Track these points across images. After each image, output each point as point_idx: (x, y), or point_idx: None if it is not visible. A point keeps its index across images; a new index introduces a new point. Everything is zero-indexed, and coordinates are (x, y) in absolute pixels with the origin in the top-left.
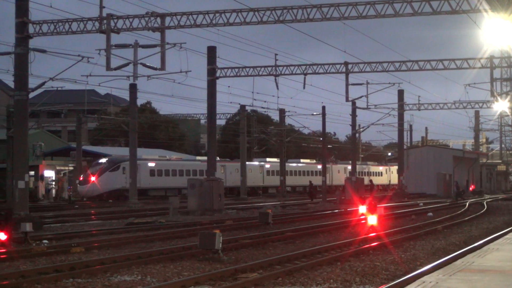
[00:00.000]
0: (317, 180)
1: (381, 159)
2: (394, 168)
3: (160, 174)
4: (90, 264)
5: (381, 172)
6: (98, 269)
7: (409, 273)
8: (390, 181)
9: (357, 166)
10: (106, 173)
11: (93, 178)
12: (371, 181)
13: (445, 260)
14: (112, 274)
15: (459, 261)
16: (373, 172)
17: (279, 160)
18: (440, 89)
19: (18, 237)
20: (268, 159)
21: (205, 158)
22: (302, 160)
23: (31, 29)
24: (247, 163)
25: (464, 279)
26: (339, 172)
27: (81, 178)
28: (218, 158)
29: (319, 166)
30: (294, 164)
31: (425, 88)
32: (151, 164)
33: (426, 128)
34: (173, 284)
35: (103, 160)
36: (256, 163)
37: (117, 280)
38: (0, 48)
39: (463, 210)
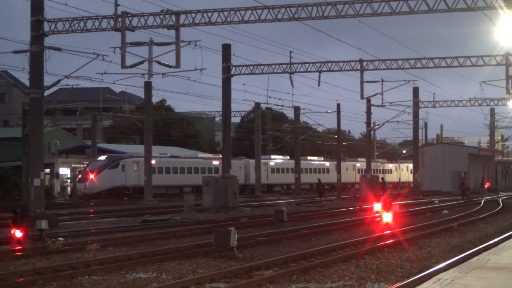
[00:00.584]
0: (324, 178)
1: (396, 156)
2: (405, 166)
3: (161, 172)
4: (105, 262)
5: (391, 170)
6: (113, 266)
7: (424, 271)
8: (400, 178)
9: (364, 163)
10: (105, 170)
11: (91, 176)
12: (383, 179)
13: (461, 258)
14: (127, 272)
15: (474, 259)
16: (383, 169)
17: (284, 158)
18: (455, 87)
19: (34, 235)
20: (273, 156)
21: (207, 155)
22: (309, 158)
23: (46, 27)
24: (250, 160)
25: (480, 277)
26: (348, 170)
27: (80, 176)
28: (220, 156)
29: (327, 164)
30: (301, 161)
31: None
32: (152, 162)
33: (441, 126)
34: (188, 281)
35: (102, 158)
36: (262, 161)
37: (132, 277)
38: (15, 46)
39: (478, 207)
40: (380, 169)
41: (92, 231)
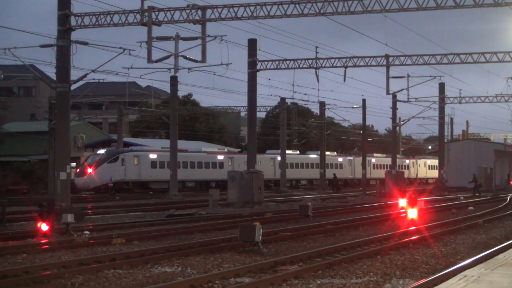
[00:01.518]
0: (337, 173)
1: (421, 152)
2: (422, 161)
3: (163, 166)
4: (130, 255)
5: (408, 165)
6: (138, 260)
7: (449, 267)
8: (417, 174)
9: (381, 159)
10: (104, 164)
11: (90, 170)
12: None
13: (487, 254)
14: (152, 266)
15: (501, 256)
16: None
17: (294, 152)
18: (481, 82)
19: (60, 228)
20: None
21: (210, 149)
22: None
23: (73, 21)
24: (257, 155)
25: (507, 274)
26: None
27: (78, 170)
28: (226, 150)
29: (340, 159)
30: (313, 156)
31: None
32: (153, 156)
33: (467, 122)
34: (214, 276)
35: (102, 151)
36: (267, 155)
37: (157, 271)
38: (42, 40)
39: (504, 204)
40: (384, 164)
41: (118, 225)
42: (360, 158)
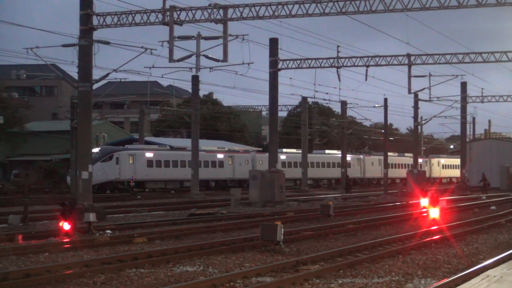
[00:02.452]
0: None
1: (443, 151)
2: (436, 161)
3: (159, 165)
4: (152, 255)
5: (421, 165)
6: (160, 259)
7: (471, 267)
8: (431, 174)
9: (391, 158)
10: (97, 163)
11: None
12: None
13: (509, 254)
14: (174, 265)
15: None
16: (408, 164)
17: (298, 151)
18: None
19: (82, 227)
20: (284, 150)
21: (209, 148)
22: (327, 151)
23: (95, 21)
24: (256, 154)
25: None
26: (373, 164)
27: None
28: (226, 148)
29: (349, 158)
30: (320, 155)
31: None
32: (149, 154)
33: (489, 121)
34: (235, 275)
35: (96, 150)
36: (267, 154)
37: (179, 270)
38: (64, 40)
39: None
40: (406, 164)
41: (140, 224)
42: (371, 157)
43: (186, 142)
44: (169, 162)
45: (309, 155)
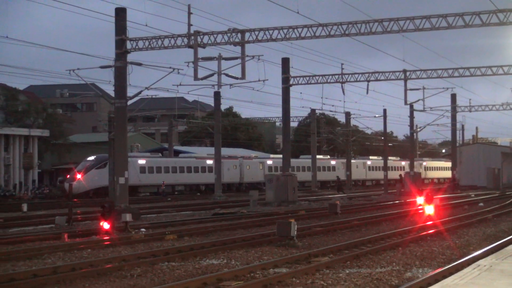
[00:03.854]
0: (330, 176)
1: (436, 155)
2: (418, 163)
3: (151, 171)
4: (182, 250)
5: (404, 167)
6: (189, 254)
7: (463, 257)
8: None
9: (376, 162)
10: (92, 170)
11: (79, 176)
12: (400, 175)
13: (497, 245)
14: (201, 258)
15: (510, 247)
16: (394, 166)
17: (281, 157)
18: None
19: (120, 226)
20: (271, 156)
21: (199, 154)
22: (318, 156)
23: (128, 45)
24: (244, 160)
25: None
26: (358, 167)
27: (68, 176)
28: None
29: (333, 162)
30: (306, 160)
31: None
32: (142, 162)
33: (477, 128)
34: (255, 267)
35: (92, 158)
36: (255, 160)
37: (205, 263)
38: (102, 62)
39: (511, 200)
40: (394, 167)
41: (170, 223)
42: (356, 161)
43: (210, 150)
44: (161, 168)
45: (303, 160)
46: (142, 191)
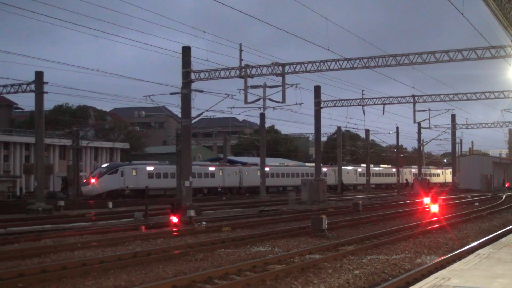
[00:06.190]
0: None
1: (439, 163)
2: (407, 170)
3: (159, 177)
4: (235, 239)
5: (395, 173)
6: (241, 242)
7: (463, 247)
8: (406, 180)
9: (375, 169)
10: (105, 176)
11: (93, 180)
12: (406, 180)
13: (491, 237)
14: (251, 246)
15: (503, 239)
16: (384, 173)
17: (282, 164)
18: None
19: (185, 220)
20: (269, 163)
21: (204, 162)
22: (307, 164)
23: (192, 76)
24: (243, 167)
25: (510, 252)
26: (349, 173)
27: (84, 180)
28: (217, 163)
29: (324, 169)
30: (283, 166)
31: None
32: (150, 168)
33: (472, 142)
34: (294, 253)
35: (104, 165)
36: (253, 167)
37: (254, 250)
38: (171, 89)
39: (501, 201)
40: (389, 173)
41: (225, 218)
42: (348, 168)
43: (256, 160)
44: (168, 174)
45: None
46: (150, 194)
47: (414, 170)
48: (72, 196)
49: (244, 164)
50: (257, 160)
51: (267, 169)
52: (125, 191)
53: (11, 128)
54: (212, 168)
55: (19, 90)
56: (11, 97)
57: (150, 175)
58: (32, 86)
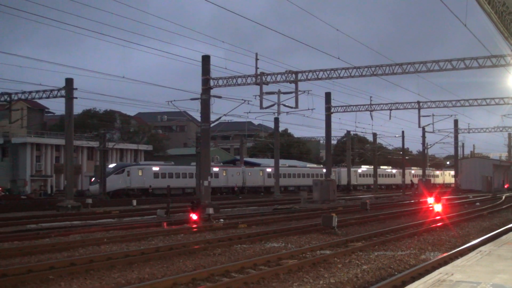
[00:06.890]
0: (308, 181)
1: (442, 165)
2: (407, 171)
3: (164, 177)
4: (251, 235)
5: (395, 174)
6: (256, 238)
7: (465, 244)
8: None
9: (366, 170)
10: (112, 175)
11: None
12: (411, 181)
13: (492, 235)
14: (265, 242)
15: (504, 237)
16: (384, 174)
17: (283, 165)
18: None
19: (204, 217)
20: (270, 165)
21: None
22: (308, 165)
23: (211, 83)
24: (245, 168)
25: (510, 249)
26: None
27: (92, 180)
28: (221, 163)
29: (324, 170)
30: (287, 168)
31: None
32: (155, 168)
33: (474, 145)
34: (305, 249)
35: (111, 165)
36: (256, 168)
37: (268, 246)
38: (191, 95)
39: (501, 201)
40: (385, 173)
41: (242, 215)
42: (343, 169)
43: (271, 161)
44: (173, 174)
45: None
46: (156, 193)
47: (413, 171)
48: (100, 194)
49: (250, 164)
50: (271, 161)
51: (269, 170)
52: (132, 190)
53: (43, 131)
54: (216, 169)
55: (51, 95)
56: (43, 102)
57: (156, 175)
58: (63, 92)
